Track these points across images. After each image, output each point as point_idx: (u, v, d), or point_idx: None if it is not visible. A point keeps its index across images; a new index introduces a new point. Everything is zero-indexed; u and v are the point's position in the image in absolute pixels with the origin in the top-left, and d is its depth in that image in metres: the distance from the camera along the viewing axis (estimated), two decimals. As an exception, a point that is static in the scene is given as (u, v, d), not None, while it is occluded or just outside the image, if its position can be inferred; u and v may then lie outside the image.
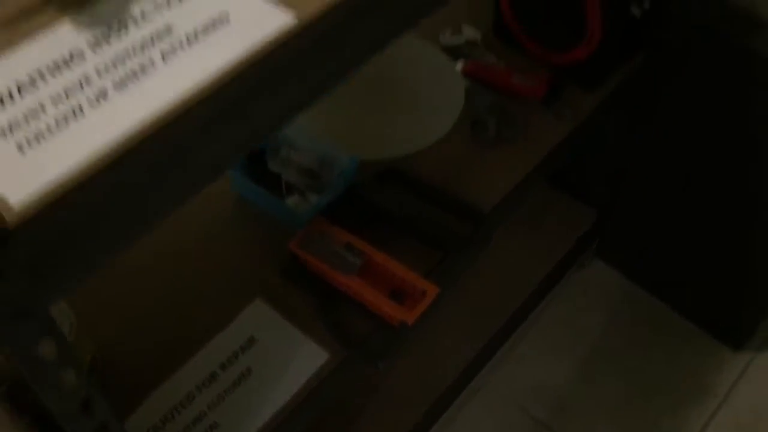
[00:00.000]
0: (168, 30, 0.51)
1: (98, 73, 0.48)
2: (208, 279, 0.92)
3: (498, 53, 1.15)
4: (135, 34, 0.51)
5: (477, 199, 0.99)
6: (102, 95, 0.47)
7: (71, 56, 0.49)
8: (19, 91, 0.47)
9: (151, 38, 0.50)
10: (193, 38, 0.51)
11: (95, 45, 0.50)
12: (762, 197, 1.20)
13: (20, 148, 0.44)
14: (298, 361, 0.85)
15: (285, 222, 0.95)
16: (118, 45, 0.50)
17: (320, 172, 0.96)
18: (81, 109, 0.46)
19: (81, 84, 0.48)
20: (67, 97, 0.47)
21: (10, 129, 0.45)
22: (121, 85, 0.48)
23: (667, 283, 1.47)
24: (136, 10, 0.52)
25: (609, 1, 1.00)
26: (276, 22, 0.51)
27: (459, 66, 1.12)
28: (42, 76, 0.48)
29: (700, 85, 1.16)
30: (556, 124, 1.07)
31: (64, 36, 0.50)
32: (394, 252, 0.90)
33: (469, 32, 1.17)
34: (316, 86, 0.57)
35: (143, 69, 0.49)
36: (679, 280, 1.44)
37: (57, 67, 0.49)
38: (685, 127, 1.22)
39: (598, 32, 1.03)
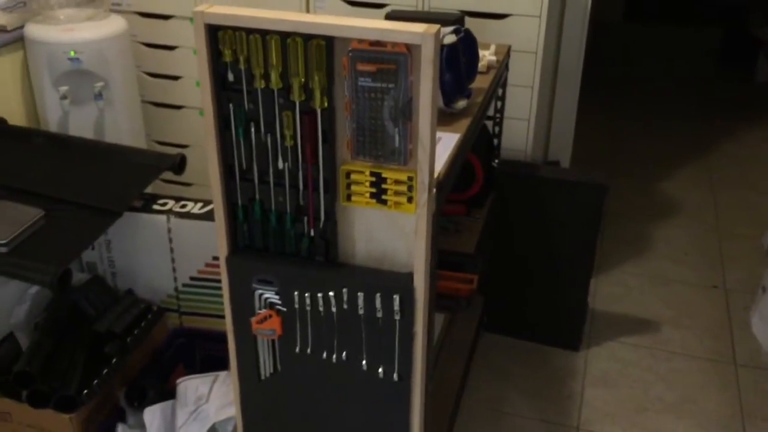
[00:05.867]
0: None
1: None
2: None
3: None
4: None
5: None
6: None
7: None
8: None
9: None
10: None
11: None
12: (561, 258, 2.24)
13: None
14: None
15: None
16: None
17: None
18: None
19: None
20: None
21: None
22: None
23: (520, 325, 2.46)
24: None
25: (484, 161, 1.99)
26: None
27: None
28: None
29: (515, 200, 2.20)
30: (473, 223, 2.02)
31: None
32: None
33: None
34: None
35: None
36: (529, 321, 2.44)
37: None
38: (514, 222, 2.26)
39: (481, 179, 2.01)
